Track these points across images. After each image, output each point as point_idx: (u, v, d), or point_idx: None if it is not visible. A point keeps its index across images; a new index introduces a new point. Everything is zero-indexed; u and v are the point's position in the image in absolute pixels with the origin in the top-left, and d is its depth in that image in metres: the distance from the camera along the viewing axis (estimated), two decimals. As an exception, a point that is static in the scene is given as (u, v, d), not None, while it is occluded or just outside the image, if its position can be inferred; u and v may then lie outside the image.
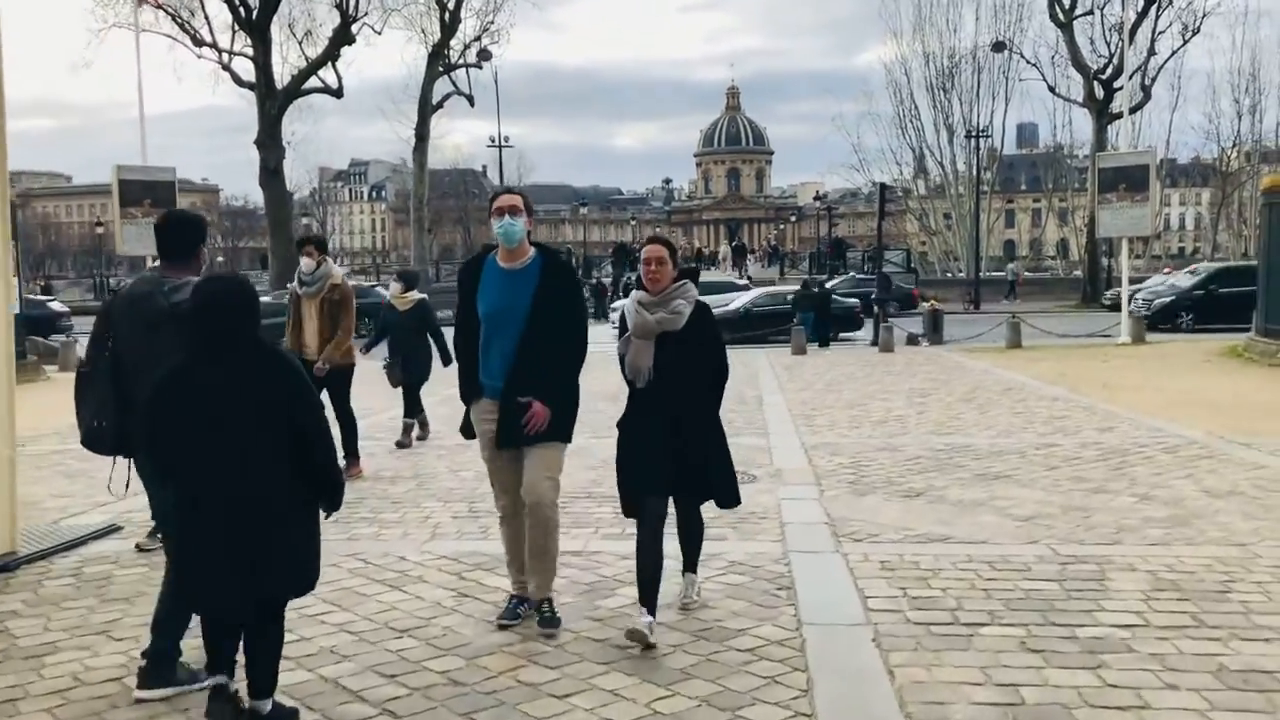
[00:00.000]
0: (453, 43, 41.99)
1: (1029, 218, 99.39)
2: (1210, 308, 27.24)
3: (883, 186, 27.34)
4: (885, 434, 10.93)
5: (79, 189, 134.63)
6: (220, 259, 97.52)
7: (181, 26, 38.84)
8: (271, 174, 39.93)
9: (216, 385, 3.53)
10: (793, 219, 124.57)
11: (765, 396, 14.59)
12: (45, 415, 12.34)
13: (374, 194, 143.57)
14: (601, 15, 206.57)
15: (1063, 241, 68.77)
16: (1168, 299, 29.26)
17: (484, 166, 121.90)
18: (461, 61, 42.65)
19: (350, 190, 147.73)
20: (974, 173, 49.16)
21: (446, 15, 41.49)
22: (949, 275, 53.35)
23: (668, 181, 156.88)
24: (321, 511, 3.78)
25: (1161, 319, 27.13)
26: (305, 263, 8.79)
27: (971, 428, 11.33)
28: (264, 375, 3.60)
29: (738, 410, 12.89)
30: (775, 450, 9.94)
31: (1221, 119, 58.78)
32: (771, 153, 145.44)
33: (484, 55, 40.69)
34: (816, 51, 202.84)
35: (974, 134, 46.81)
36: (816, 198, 61.18)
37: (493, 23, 42.07)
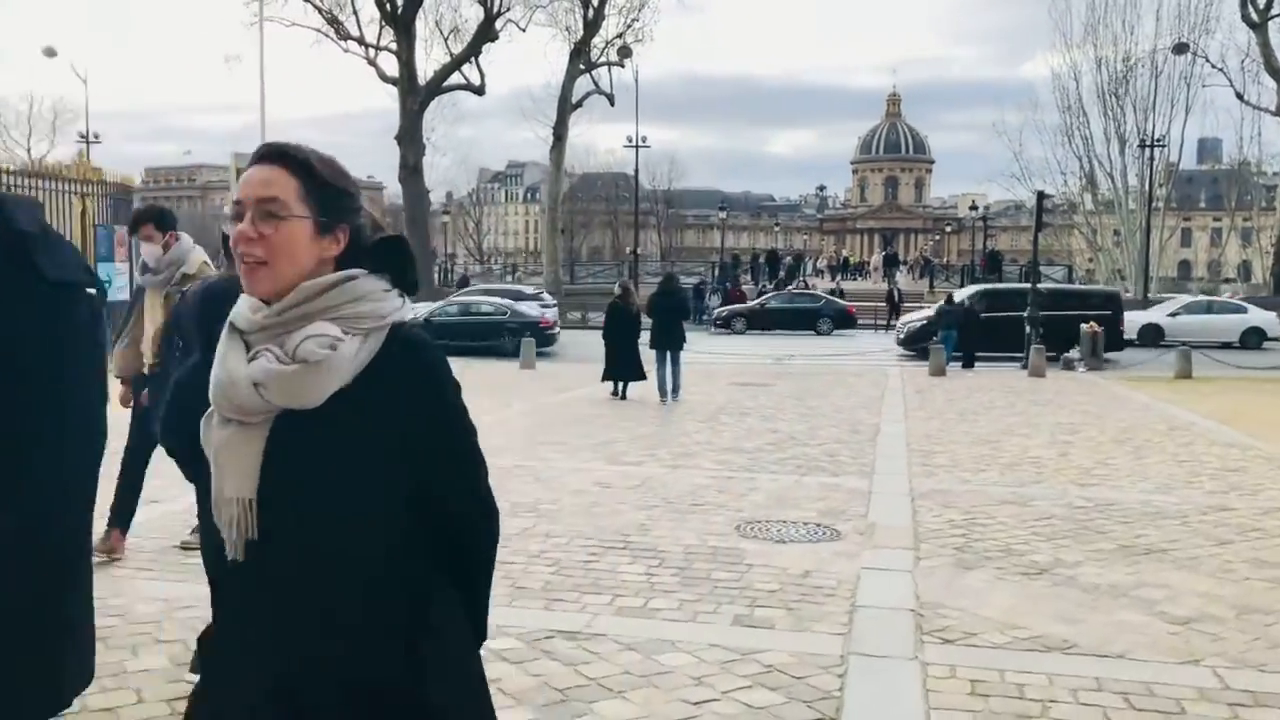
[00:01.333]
0: (594, 40, 41.22)
1: (1207, 237, 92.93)
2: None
3: (1040, 195, 24.91)
4: (1015, 481, 9.16)
5: None
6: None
7: (329, 20, 39.16)
8: (411, 171, 39.96)
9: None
10: (950, 230, 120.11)
11: (884, 426, 12.89)
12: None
13: (528, 195, 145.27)
14: (757, 22, 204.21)
15: (1244, 264, 63.59)
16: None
17: (636, 170, 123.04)
18: (603, 60, 41.85)
19: (506, 192, 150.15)
20: (1146, 186, 45.56)
21: (590, 11, 40.74)
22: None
23: (822, 188, 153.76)
24: None
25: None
26: (146, 249, 6.08)
27: (1123, 478, 9.45)
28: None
29: (846, 442, 11.28)
30: (876, 497, 8.34)
31: None
32: (932, 161, 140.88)
33: (624, 52, 39.74)
34: (981, 59, 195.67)
35: (1147, 144, 43.22)
36: (972, 208, 57.82)
37: (636, 20, 41.12)
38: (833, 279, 51.53)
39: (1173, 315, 31.87)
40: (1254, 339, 29.85)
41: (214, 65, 71.62)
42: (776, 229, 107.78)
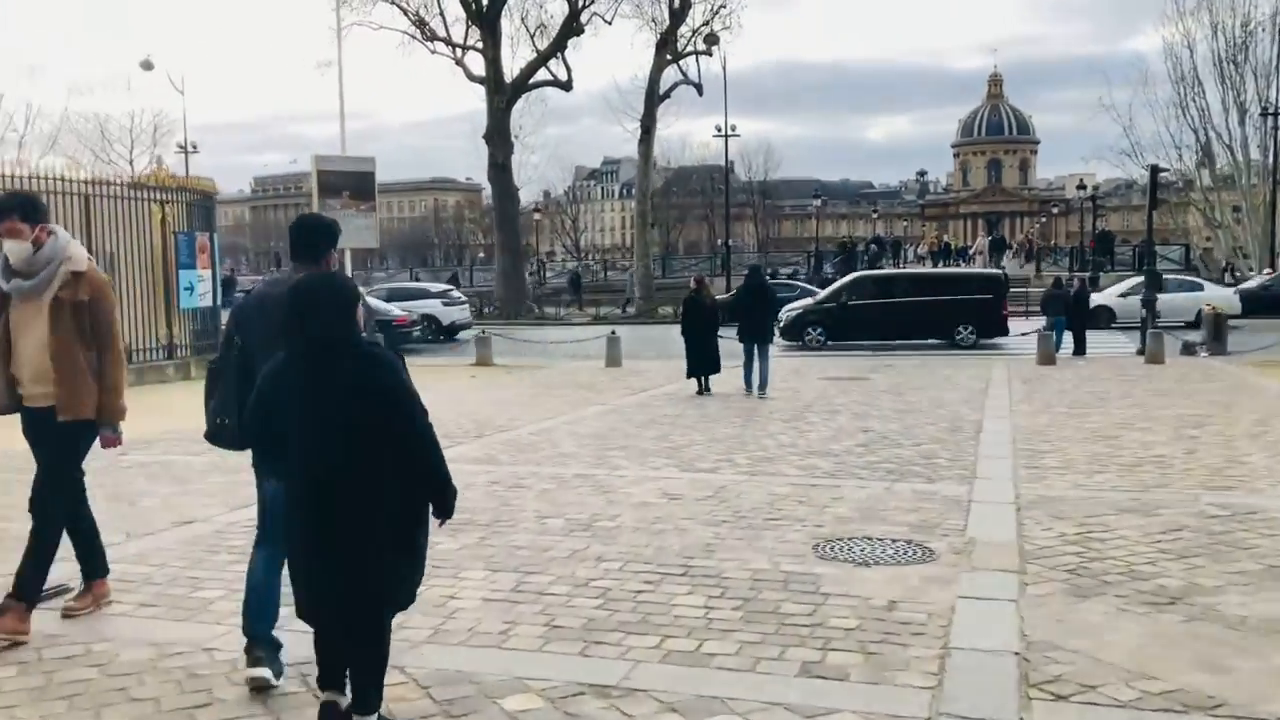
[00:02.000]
0: (681, 30, 40.39)
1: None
2: None
3: (1154, 169, 23.23)
4: (1136, 485, 8.13)
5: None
6: (480, 255, 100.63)
7: (415, 22, 39.15)
8: (500, 169, 39.71)
9: (312, 387, 3.43)
10: (1057, 212, 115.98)
11: (987, 422, 11.86)
12: (171, 418, 11.45)
13: (624, 192, 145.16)
14: (848, 7, 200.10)
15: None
16: None
17: (731, 163, 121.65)
18: (690, 49, 40.99)
19: (602, 189, 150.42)
20: (1270, 159, 42.88)
21: (676, 1, 39.91)
22: (1238, 275, 46.96)
23: (922, 174, 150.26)
24: (433, 518, 3.59)
25: None
26: (10, 246, 4.83)
27: (1261, 479, 8.33)
28: (361, 379, 3.43)
29: (944, 442, 10.33)
30: (976, 507, 7.42)
31: None
32: (1037, 142, 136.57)
33: (711, 40, 38.80)
34: (1083, 36, 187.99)
35: (1271, 112, 40.53)
36: (1080, 188, 55.26)
37: (724, 6, 40.11)
38: (934, 265, 49.77)
39: (1124, 296, 30.46)
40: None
41: (313, 73, 72.65)
42: (875, 216, 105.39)
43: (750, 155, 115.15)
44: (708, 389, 15.24)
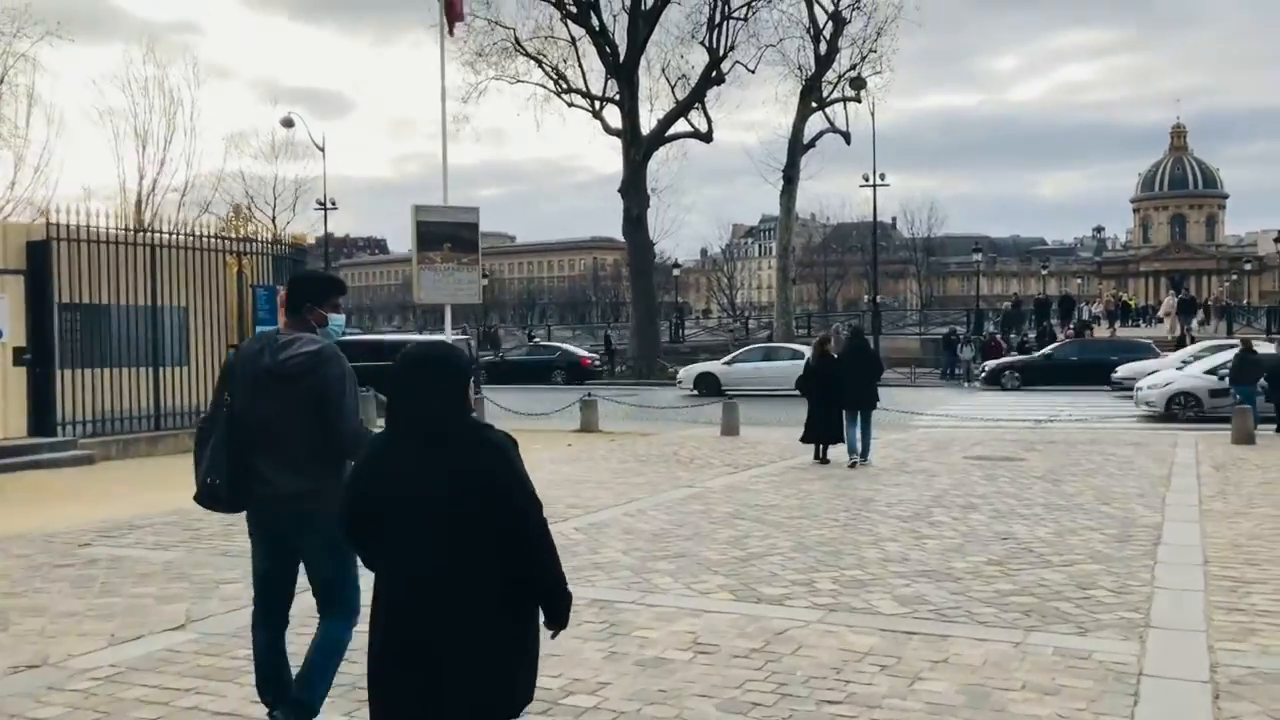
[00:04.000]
0: (828, 76, 38.28)
1: None
2: None
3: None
4: (1401, 652, 5.48)
5: (519, 248, 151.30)
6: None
7: (550, 73, 38.30)
8: (635, 222, 38.28)
9: (412, 472, 2.98)
10: (1249, 268, 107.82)
11: (1168, 528, 9.17)
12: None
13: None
14: (1014, 62, 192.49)
15: None
16: None
17: (893, 218, 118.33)
18: (837, 96, 38.78)
19: (759, 246, 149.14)
20: None
21: (823, 45, 37.89)
22: None
23: (1099, 230, 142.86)
24: (544, 626, 3.10)
25: None
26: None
27: None
28: (468, 463, 2.96)
29: (1110, 560, 7.77)
30: (1149, 687, 4.95)
31: None
32: (1226, 196, 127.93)
33: (858, 84, 36.44)
34: (1270, 85, 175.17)
35: None
36: (1277, 239, 49.96)
37: (873, 50, 37.81)
38: (1110, 326, 45.62)
39: (728, 364, 29.59)
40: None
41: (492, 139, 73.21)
42: (1045, 273, 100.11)
43: (913, 211, 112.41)
44: (826, 458, 14.25)
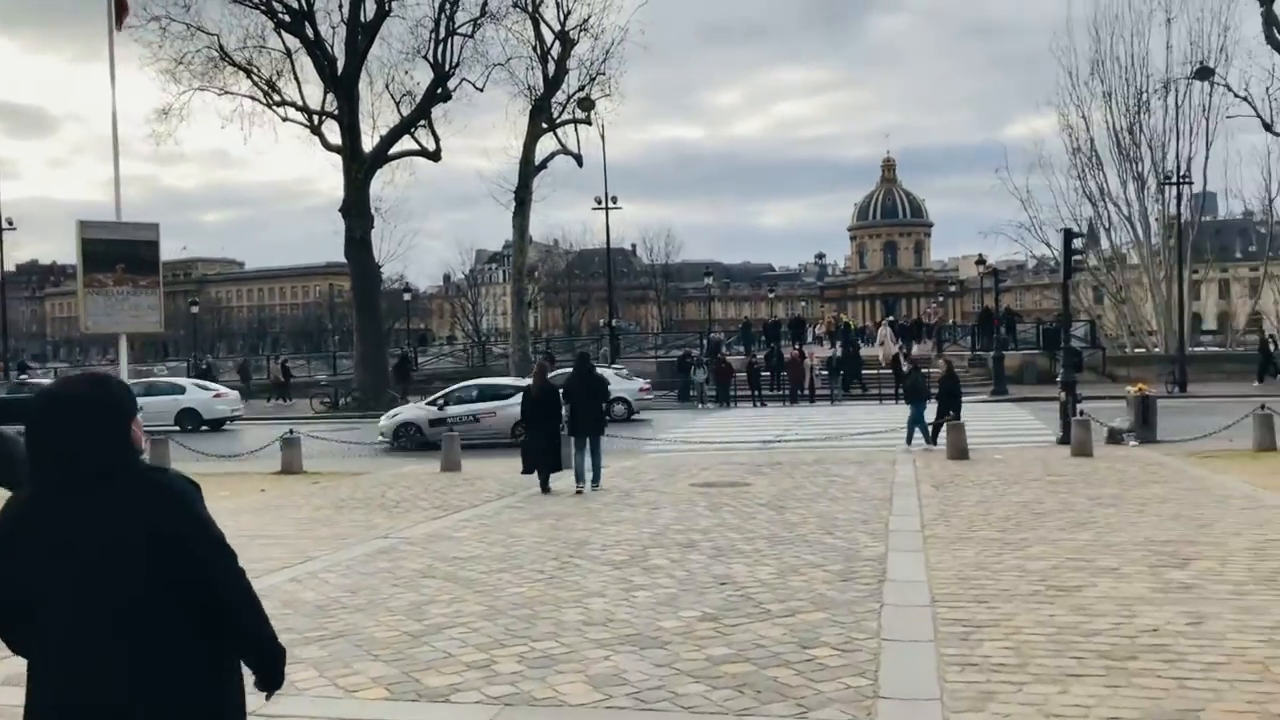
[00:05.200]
0: (558, 96, 37.55)
1: (1247, 287, 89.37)
2: None
3: (1068, 233, 20.61)
4: (1143, 710, 4.81)
5: (248, 274, 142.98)
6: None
7: (261, 85, 35.59)
8: (358, 244, 36.12)
9: (62, 536, 2.39)
10: (954, 292, 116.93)
11: (893, 559, 8.55)
12: None
13: (528, 275, 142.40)
14: (736, 98, 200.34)
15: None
16: None
17: (633, 245, 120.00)
18: (569, 117, 38.11)
19: (503, 271, 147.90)
20: (1171, 226, 41.47)
21: (550, 65, 37.13)
22: (1142, 350, 45.35)
23: (820, 256, 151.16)
24: (256, 688, 2.62)
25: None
26: None
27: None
28: (136, 514, 2.41)
29: (833, 605, 6.95)
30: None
31: None
32: (930, 225, 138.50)
33: (586, 105, 35.90)
34: (963, 125, 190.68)
35: (1170, 180, 39.03)
36: (979, 262, 53.59)
37: (601, 73, 37.40)
38: (832, 345, 47.31)
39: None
40: (190, 420, 28.77)
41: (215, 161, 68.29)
42: (773, 296, 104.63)
43: (652, 239, 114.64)
44: (547, 486, 13.73)
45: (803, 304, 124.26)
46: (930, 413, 18.98)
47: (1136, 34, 43.89)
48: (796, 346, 38.13)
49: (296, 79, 36.42)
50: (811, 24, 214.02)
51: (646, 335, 69.58)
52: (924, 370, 22.12)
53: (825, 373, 35.14)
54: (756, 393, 33.07)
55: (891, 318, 56.22)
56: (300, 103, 36.70)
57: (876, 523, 10.54)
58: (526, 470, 14.06)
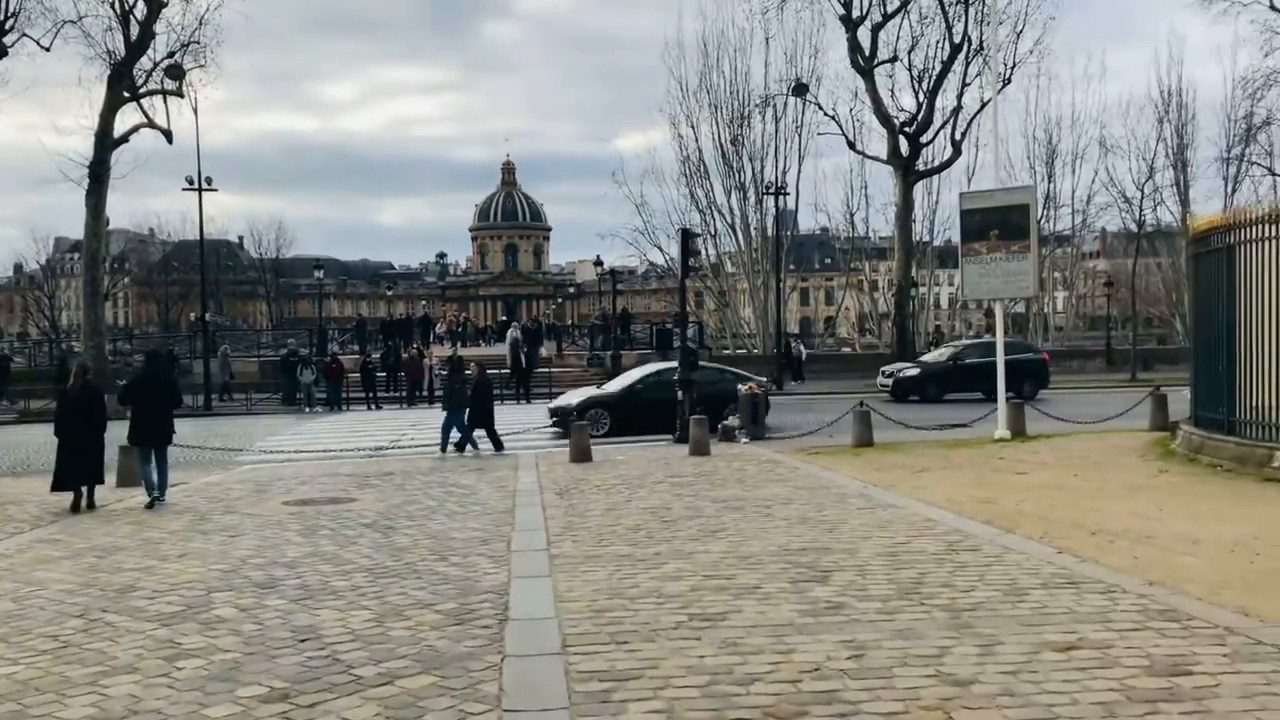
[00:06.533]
0: (143, 63, 33.29)
1: (823, 295, 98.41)
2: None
3: (685, 232, 20.75)
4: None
5: None
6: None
7: None
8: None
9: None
10: (571, 292, 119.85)
11: (515, 589, 7.29)
12: None
13: (116, 265, 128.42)
14: (350, 92, 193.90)
15: (860, 315, 65.43)
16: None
17: (240, 238, 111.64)
18: (159, 87, 33.91)
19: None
20: (768, 235, 44.09)
21: (134, 28, 32.82)
22: (741, 351, 47.92)
23: (442, 256, 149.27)
24: None
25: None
26: None
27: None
28: None
29: (442, 665, 5.53)
30: None
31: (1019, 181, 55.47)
32: (549, 229, 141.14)
33: (174, 73, 32.01)
34: (580, 134, 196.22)
35: (770, 190, 41.41)
36: (597, 263, 54.53)
37: (196, 41, 33.60)
38: (453, 345, 46.01)
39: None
40: None
41: None
42: (391, 294, 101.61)
43: (261, 231, 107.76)
44: (92, 503, 12.15)
45: (424, 303, 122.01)
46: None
47: (740, 51, 46.39)
48: (415, 345, 36.36)
49: None
50: (422, 24, 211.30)
51: (255, 333, 65.01)
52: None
53: (445, 373, 33.68)
54: (371, 394, 31.05)
55: (514, 321, 55.95)
56: None
57: (498, 541, 9.27)
58: (56, 487, 12.09)
